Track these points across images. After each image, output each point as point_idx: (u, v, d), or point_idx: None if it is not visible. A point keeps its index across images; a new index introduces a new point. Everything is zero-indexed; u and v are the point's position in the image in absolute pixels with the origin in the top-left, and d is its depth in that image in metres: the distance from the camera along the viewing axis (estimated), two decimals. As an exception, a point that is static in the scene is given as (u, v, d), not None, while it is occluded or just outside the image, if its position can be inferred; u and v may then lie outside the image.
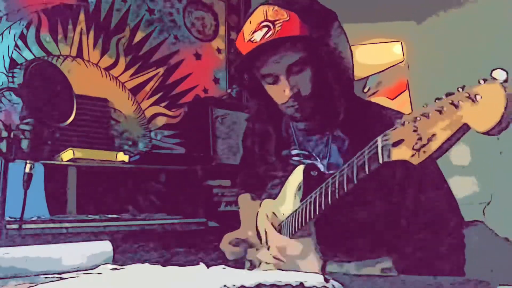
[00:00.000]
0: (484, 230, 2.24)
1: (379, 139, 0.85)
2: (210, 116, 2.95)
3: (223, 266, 0.82)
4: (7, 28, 2.67)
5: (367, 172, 0.89)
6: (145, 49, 3.18)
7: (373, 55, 3.08)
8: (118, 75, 3.06)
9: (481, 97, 0.68)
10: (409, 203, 1.14)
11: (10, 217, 1.68)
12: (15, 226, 1.69)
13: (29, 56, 2.72)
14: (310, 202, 1.09)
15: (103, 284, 0.78)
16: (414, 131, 0.77)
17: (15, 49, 2.69)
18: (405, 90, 2.97)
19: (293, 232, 1.16)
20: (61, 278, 0.88)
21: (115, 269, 0.89)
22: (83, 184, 2.23)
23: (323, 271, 1.09)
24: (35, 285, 0.77)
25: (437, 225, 1.12)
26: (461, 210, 1.16)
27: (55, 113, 1.65)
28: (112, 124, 2.95)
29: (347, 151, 1.21)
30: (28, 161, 1.58)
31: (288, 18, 1.13)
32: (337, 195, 0.99)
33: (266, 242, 1.28)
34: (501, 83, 0.67)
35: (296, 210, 1.16)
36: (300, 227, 1.13)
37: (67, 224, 1.96)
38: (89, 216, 2.09)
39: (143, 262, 0.91)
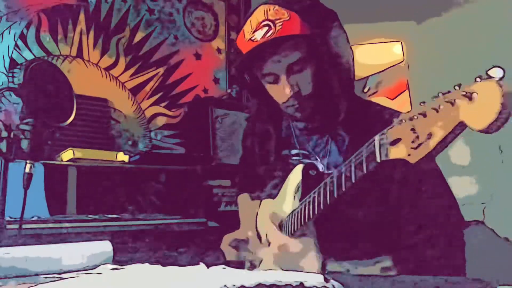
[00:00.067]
0: (484, 230, 2.25)
1: (376, 137, 0.86)
2: (210, 116, 2.95)
3: (223, 266, 0.82)
4: (7, 28, 2.67)
5: (365, 171, 0.89)
6: (145, 49, 3.18)
7: (373, 55, 3.08)
8: (118, 75, 3.05)
9: (477, 95, 0.68)
10: (408, 202, 1.14)
11: (10, 217, 1.68)
12: (15, 226, 1.69)
13: (29, 56, 2.72)
14: (309, 202, 1.09)
15: (103, 284, 0.78)
16: (412, 129, 0.77)
17: (15, 49, 2.69)
18: (405, 90, 2.96)
19: (292, 231, 1.16)
20: (61, 278, 0.88)
21: (115, 269, 0.89)
22: (83, 184, 2.22)
23: (323, 270, 1.09)
24: (35, 285, 0.77)
25: (436, 224, 1.12)
26: (461, 210, 1.16)
27: (55, 113, 1.65)
28: (112, 124, 2.95)
29: (346, 151, 1.21)
30: (28, 161, 1.58)
31: (288, 17, 1.13)
32: (335, 194, 0.99)
33: (267, 241, 1.28)
34: (497, 81, 0.67)
35: (295, 210, 1.16)
36: (299, 226, 1.13)
37: (67, 224, 1.96)
38: (89, 216, 2.09)
39: (143, 262, 0.91)
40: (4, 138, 1.53)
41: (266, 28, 1.13)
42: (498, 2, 2.39)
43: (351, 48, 1.24)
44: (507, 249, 2.19)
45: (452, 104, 0.71)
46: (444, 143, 0.74)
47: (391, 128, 0.82)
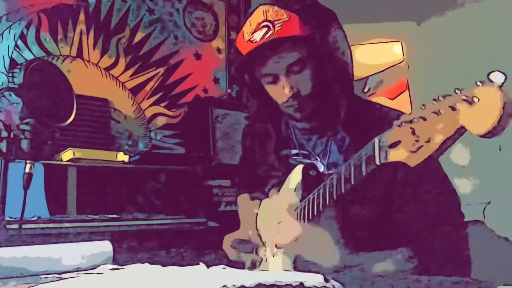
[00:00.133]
0: (484, 230, 2.25)
1: (376, 140, 0.86)
2: (210, 116, 2.95)
3: (223, 266, 0.82)
4: (7, 28, 2.67)
5: (364, 173, 0.89)
6: (145, 49, 3.18)
7: (373, 55, 3.08)
8: (118, 75, 3.05)
9: (478, 100, 0.68)
10: (411, 202, 1.14)
11: (10, 217, 1.68)
12: (15, 226, 1.69)
13: (29, 56, 2.72)
14: (309, 202, 1.09)
15: (103, 284, 0.78)
16: (412, 132, 0.77)
17: (15, 49, 2.68)
18: (405, 90, 2.96)
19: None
20: (61, 278, 0.88)
21: (115, 269, 0.89)
22: (83, 184, 2.22)
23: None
24: (35, 285, 0.77)
25: (439, 224, 1.12)
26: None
27: (55, 113, 1.65)
28: (112, 124, 2.95)
29: (346, 151, 1.21)
30: (28, 161, 1.58)
31: (287, 18, 1.13)
32: (335, 195, 0.99)
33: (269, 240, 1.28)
34: (499, 86, 0.67)
35: (294, 210, 1.16)
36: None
37: (67, 224, 1.96)
38: (89, 216, 2.09)
39: (143, 262, 0.91)
40: (4, 138, 1.53)
41: (266, 29, 1.14)
42: (498, 2, 2.39)
43: (350, 48, 1.24)
44: (507, 249, 2.19)
45: (453, 108, 0.71)
46: (444, 147, 0.74)
47: (390, 130, 0.82)
